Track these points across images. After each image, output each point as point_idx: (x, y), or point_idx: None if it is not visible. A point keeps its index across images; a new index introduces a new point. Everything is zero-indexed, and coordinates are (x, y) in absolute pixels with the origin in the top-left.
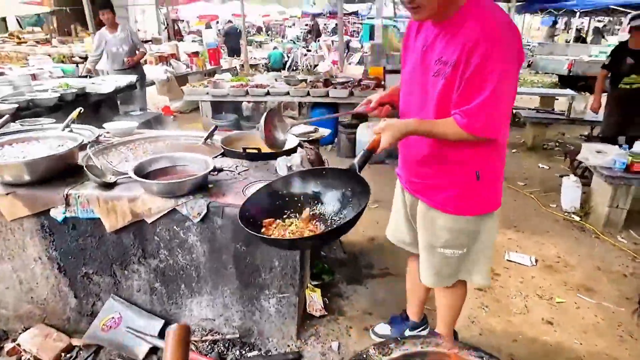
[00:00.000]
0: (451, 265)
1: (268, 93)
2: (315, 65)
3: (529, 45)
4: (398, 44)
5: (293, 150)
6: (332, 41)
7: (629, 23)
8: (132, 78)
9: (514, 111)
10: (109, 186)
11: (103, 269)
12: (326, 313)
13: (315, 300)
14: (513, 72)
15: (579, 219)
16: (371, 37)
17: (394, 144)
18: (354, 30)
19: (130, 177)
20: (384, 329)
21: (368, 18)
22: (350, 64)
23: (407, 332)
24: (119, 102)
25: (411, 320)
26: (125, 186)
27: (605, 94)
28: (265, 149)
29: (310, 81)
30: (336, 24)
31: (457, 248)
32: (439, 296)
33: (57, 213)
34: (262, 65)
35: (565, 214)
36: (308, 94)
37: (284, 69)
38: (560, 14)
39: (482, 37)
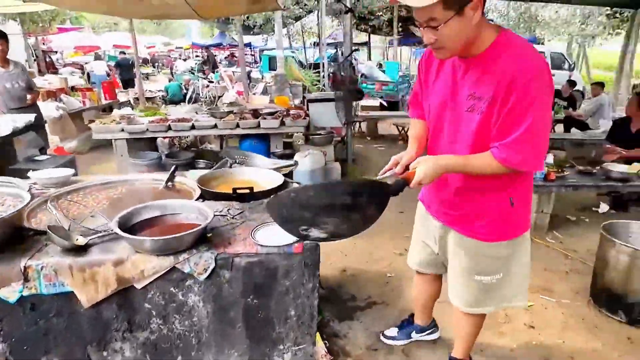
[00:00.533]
0: (489, 292)
1: (193, 127)
2: (219, 97)
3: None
4: (299, 73)
5: (283, 187)
6: (233, 72)
7: None
8: (31, 117)
9: None
10: (80, 250)
11: (73, 354)
12: (332, 357)
13: (317, 346)
14: (548, 104)
15: None
16: (271, 68)
17: (429, 182)
18: (248, 62)
19: (105, 235)
20: (392, 331)
21: (263, 50)
22: (254, 94)
23: (415, 335)
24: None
25: (417, 324)
26: (101, 247)
27: None
28: (260, 187)
29: (235, 112)
30: (227, 55)
31: (494, 274)
32: (463, 323)
33: (10, 293)
34: (159, 98)
35: None
36: (238, 126)
37: (183, 101)
38: None
39: (518, 73)
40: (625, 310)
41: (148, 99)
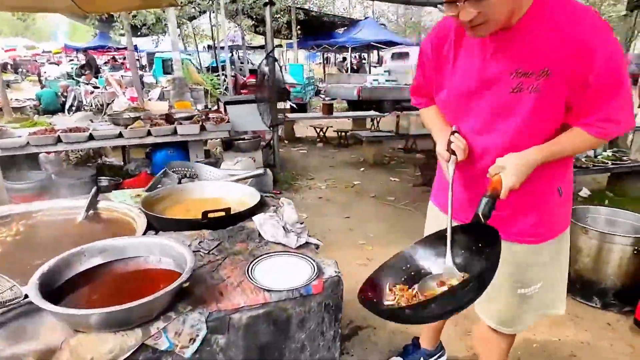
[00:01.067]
0: (530, 304)
1: (91, 137)
2: (109, 104)
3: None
4: (199, 77)
5: (260, 205)
6: (121, 76)
7: None
8: None
9: (354, 133)
10: None
11: None
12: None
13: None
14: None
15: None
16: (165, 72)
17: (519, 184)
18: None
19: (11, 308)
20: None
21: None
22: (150, 99)
23: None
24: None
25: (423, 348)
26: (10, 331)
27: None
28: (234, 207)
29: (143, 119)
30: (108, 60)
31: (537, 282)
32: (496, 344)
33: None
34: (30, 108)
35: None
36: (149, 133)
37: (61, 110)
38: (334, 49)
39: (590, 36)
40: (598, 295)
41: (15, 109)
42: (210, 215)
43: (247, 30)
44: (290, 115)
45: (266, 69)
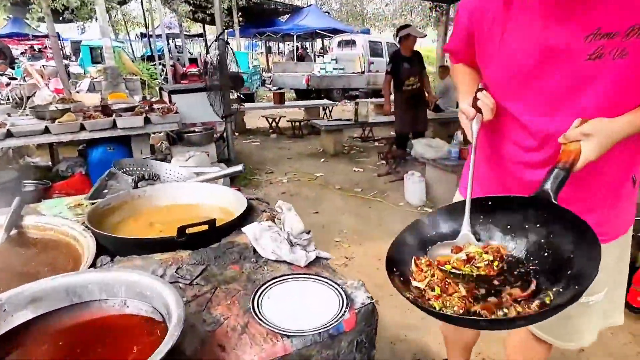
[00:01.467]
0: (592, 315)
1: (10, 134)
2: (29, 97)
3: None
4: (133, 66)
5: (247, 210)
6: (43, 66)
7: (397, 35)
8: None
9: (311, 122)
10: None
11: None
12: None
13: None
14: None
15: (431, 210)
16: (94, 61)
17: (597, 157)
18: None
19: None
20: None
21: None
22: (78, 91)
23: None
24: None
25: None
26: None
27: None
28: (224, 215)
29: (72, 111)
30: (25, 49)
31: (601, 289)
32: (538, 351)
33: None
34: None
35: (418, 208)
36: (83, 128)
37: None
38: (278, 38)
39: None
40: None
41: None
42: (190, 230)
43: (185, 17)
44: (242, 106)
45: (215, 54)
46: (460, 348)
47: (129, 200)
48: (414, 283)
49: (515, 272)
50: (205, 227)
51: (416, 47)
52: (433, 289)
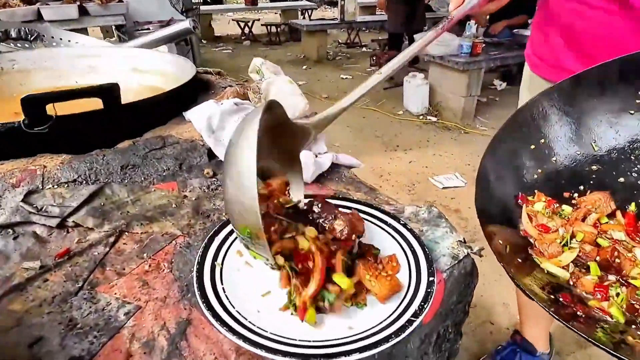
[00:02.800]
0: None
1: None
2: None
3: None
4: None
5: (196, 84)
6: None
7: None
8: None
9: (292, 23)
10: None
11: None
12: None
13: None
14: None
15: (435, 118)
16: None
17: None
18: None
19: None
20: None
21: None
22: None
23: None
24: None
25: (540, 351)
26: None
27: None
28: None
29: None
30: None
31: None
32: None
33: None
34: None
35: (420, 117)
36: None
37: None
38: None
39: None
40: None
41: None
42: (63, 109)
43: None
44: (206, 8)
45: None
46: (543, 318)
47: None
48: (545, 265)
49: None
50: (97, 101)
51: None
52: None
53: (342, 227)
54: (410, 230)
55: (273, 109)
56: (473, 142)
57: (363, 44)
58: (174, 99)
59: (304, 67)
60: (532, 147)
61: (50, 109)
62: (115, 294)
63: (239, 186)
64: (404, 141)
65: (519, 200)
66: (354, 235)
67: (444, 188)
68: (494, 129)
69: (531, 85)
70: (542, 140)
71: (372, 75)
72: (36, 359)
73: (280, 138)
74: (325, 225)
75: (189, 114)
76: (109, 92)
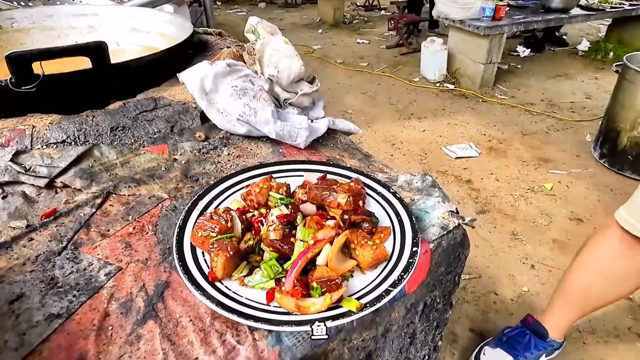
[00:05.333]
0: None
1: None
2: None
3: None
4: None
5: (191, 46)
6: None
7: None
8: None
9: None
10: None
11: None
12: None
13: None
14: None
15: (453, 86)
16: None
17: None
18: None
19: None
20: (495, 356)
21: None
22: None
23: None
24: None
25: (552, 337)
26: None
27: None
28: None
29: None
30: None
31: None
32: None
33: None
34: None
35: (437, 84)
36: None
37: None
38: None
39: None
40: None
41: None
42: (51, 68)
43: None
44: None
45: None
46: (579, 303)
47: None
48: None
49: None
50: (85, 60)
51: None
52: None
53: (345, 199)
54: (400, 199)
55: None
56: (490, 111)
57: (382, 6)
58: (167, 60)
59: (320, 31)
60: None
61: (37, 68)
62: (98, 254)
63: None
64: (419, 109)
65: None
66: (360, 202)
67: (457, 158)
68: (513, 98)
69: None
70: None
71: None
72: (15, 315)
73: None
74: (330, 201)
75: (182, 76)
76: (96, 50)
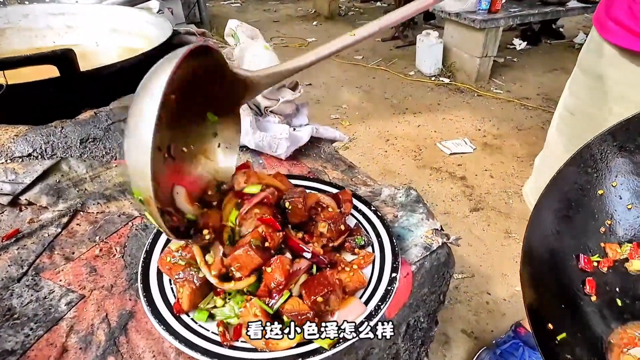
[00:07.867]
0: None
1: None
2: None
3: None
4: None
5: (171, 46)
6: None
7: None
8: None
9: None
10: None
11: None
12: None
13: None
14: None
15: (448, 80)
16: None
17: None
18: None
19: None
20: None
21: None
22: None
23: None
24: None
25: None
26: None
27: None
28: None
29: None
30: None
31: None
32: None
33: None
34: None
35: (433, 78)
36: None
37: None
38: None
39: None
40: None
41: None
42: (15, 77)
43: None
44: None
45: None
46: None
47: None
48: None
49: None
50: (52, 69)
51: None
52: None
53: (325, 228)
54: (381, 218)
55: (207, 55)
56: (486, 106)
57: None
58: (144, 64)
59: (315, 23)
60: None
61: (0, 77)
62: (60, 281)
63: (134, 143)
64: (414, 104)
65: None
66: (342, 226)
67: (451, 154)
68: (509, 92)
69: (601, 57)
70: None
71: (344, 35)
72: None
73: (216, 87)
74: (311, 230)
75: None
76: (63, 58)
